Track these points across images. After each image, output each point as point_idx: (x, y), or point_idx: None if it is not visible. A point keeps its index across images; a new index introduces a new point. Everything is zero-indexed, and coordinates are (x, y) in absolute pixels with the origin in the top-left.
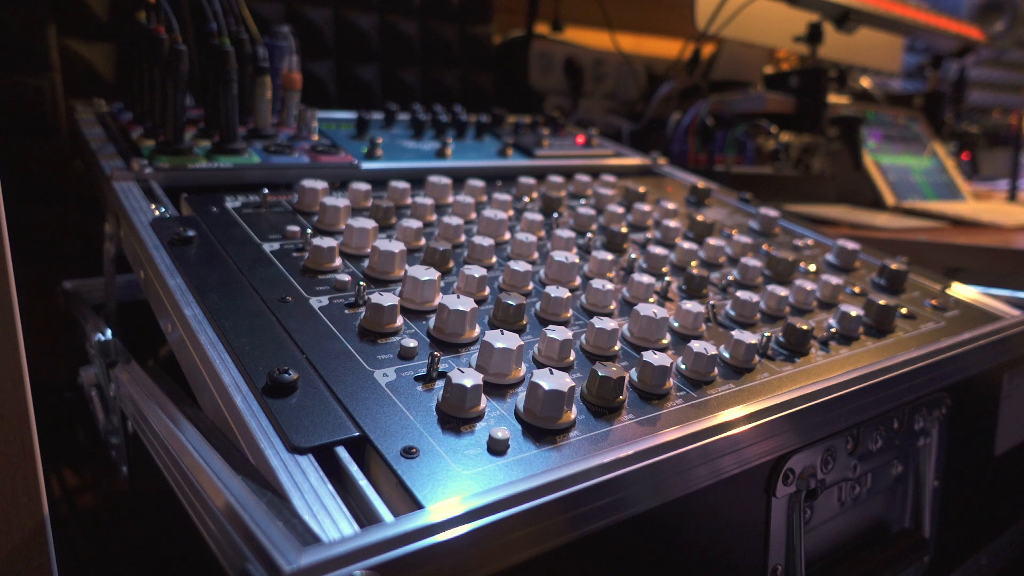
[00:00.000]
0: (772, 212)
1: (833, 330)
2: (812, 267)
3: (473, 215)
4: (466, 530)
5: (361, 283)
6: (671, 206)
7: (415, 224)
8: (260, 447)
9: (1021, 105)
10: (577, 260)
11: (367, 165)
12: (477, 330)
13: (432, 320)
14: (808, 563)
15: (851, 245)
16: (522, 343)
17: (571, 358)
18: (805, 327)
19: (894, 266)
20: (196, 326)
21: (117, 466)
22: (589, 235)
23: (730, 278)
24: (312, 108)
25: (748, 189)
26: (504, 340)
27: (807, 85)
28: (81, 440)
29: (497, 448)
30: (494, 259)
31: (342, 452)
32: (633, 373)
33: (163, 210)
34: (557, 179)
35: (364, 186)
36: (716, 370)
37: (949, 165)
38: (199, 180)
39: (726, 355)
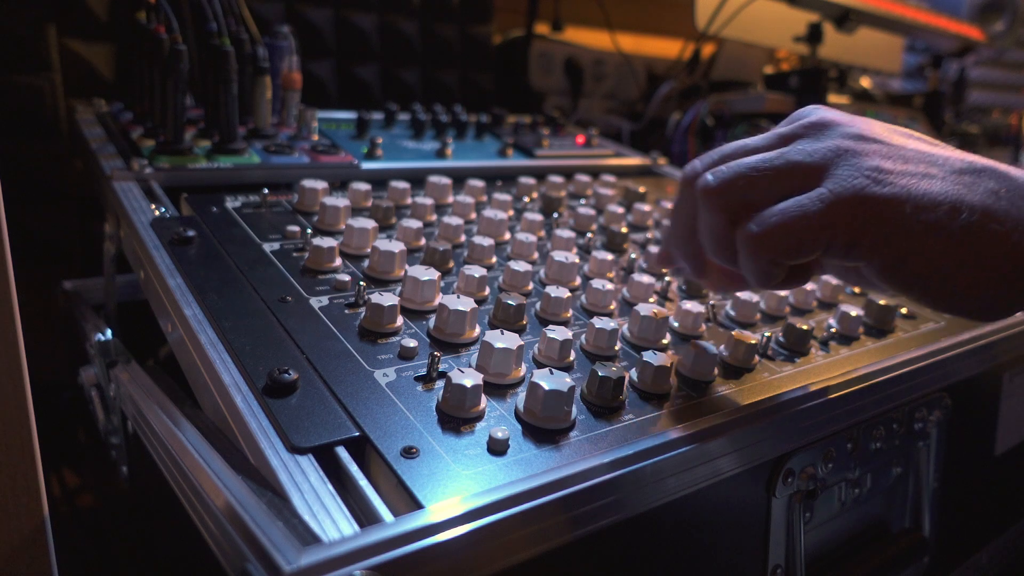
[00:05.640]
0: None
1: (833, 330)
2: None
3: (473, 215)
4: (466, 530)
5: (361, 283)
6: (671, 206)
7: (415, 224)
8: (260, 447)
9: (1021, 105)
10: (577, 260)
11: (367, 165)
12: (477, 330)
13: (432, 320)
14: (808, 563)
15: None
16: (522, 343)
17: (571, 358)
18: (805, 327)
19: None
20: (196, 326)
21: (117, 466)
22: (589, 235)
23: None
24: (312, 108)
25: None
26: (504, 340)
27: (807, 85)
28: (81, 440)
29: (497, 448)
30: (494, 259)
31: (342, 452)
32: (633, 373)
33: (163, 210)
34: (557, 179)
35: (364, 186)
36: (716, 370)
37: None
38: (199, 180)
39: (726, 355)
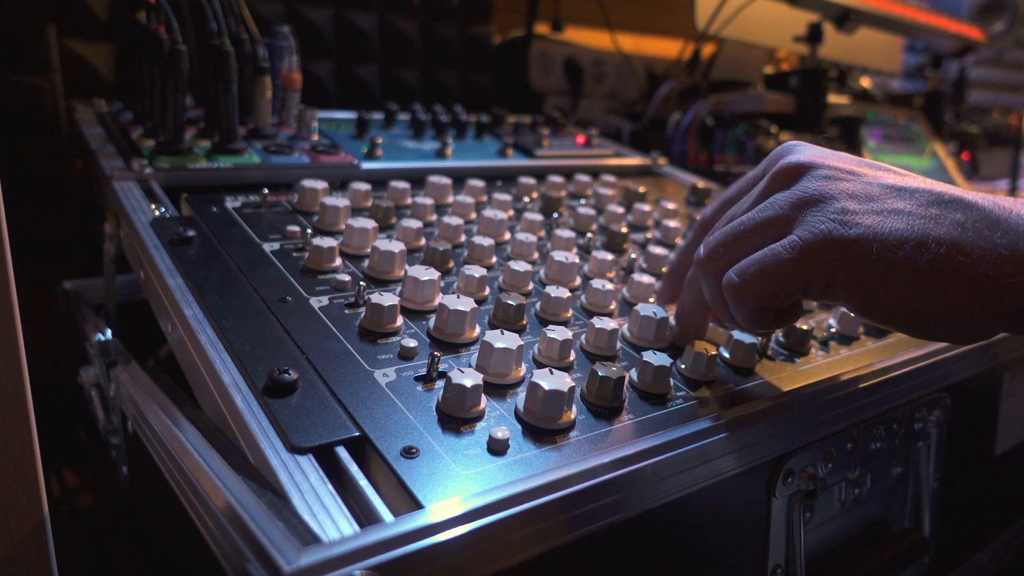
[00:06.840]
0: None
1: (833, 330)
2: None
3: (473, 215)
4: (466, 530)
5: (361, 283)
6: (671, 206)
7: (415, 224)
8: (260, 447)
9: (1021, 105)
10: (577, 260)
11: (367, 165)
12: (477, 330)
13: (432, 320)
14: (808, 563)
15: None
16: (522, 343)
17: (571, 358)
18: (805, 327)
19: None
20: (196, 326)
21: (117, 466)
22: (589, 235)
23: None
24: (312, 108)
25: None
26: (504, 340)
27: (807, 85)
28: (81, 440)
29: (497, 448)
30: (494, 259)
31: (342, 452)
32: (633, 373)
33: (163, 210)
34: (557, 179)
35: (364, 186)
36: (716, 370)
37: (949, 165)
38: (199, 180)
39: (726, 355)
